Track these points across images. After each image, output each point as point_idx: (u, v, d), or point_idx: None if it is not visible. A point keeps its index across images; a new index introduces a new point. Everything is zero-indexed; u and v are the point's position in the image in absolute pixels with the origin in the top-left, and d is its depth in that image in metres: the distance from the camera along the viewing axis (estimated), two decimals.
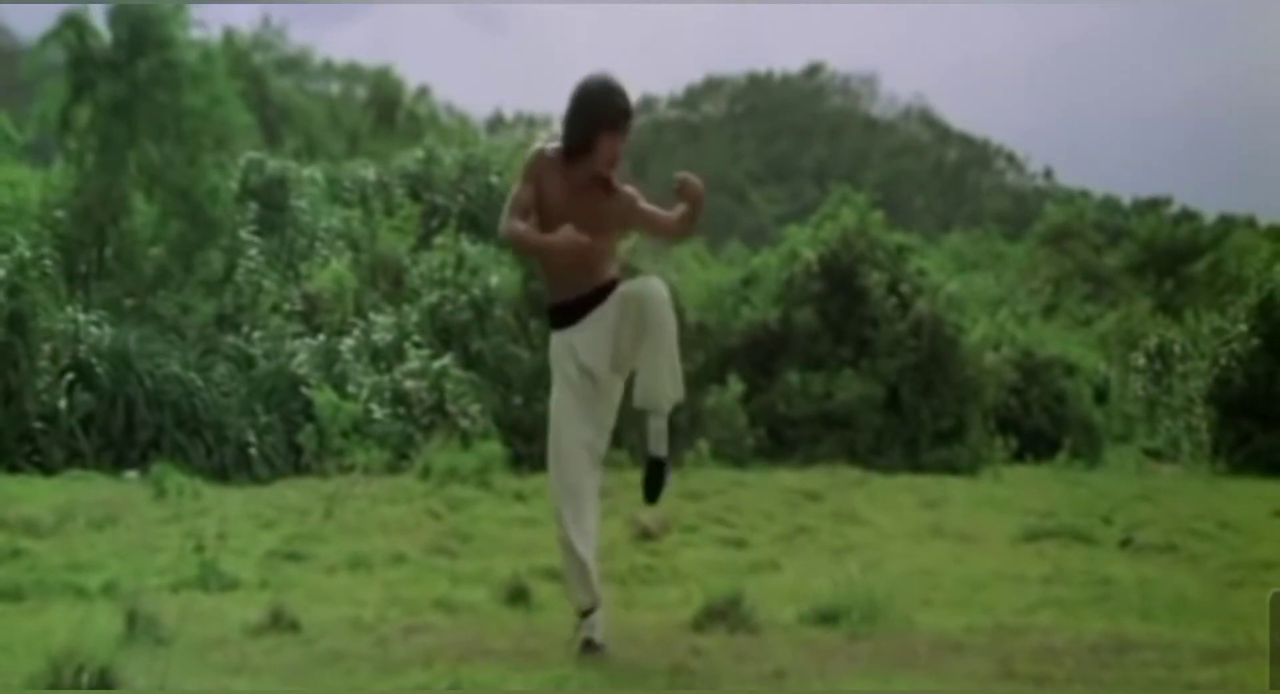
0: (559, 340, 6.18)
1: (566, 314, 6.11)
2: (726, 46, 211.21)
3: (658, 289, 6.04)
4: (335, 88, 55.72)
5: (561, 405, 6.13)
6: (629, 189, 6.10)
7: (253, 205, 26.55)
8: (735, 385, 26.99)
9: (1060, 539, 11.36)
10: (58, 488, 15.44)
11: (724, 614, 6.37)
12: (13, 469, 17.76)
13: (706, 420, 26.86)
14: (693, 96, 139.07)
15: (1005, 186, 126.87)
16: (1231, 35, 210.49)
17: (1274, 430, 28.70)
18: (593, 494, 6.17)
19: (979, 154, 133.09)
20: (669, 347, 6.01)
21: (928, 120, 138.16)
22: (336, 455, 18.51)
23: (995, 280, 49.45)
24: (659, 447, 6.18)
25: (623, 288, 6.11)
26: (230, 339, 22.56)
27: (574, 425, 6.10)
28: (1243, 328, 30.74)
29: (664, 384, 6.05)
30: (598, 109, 5.97)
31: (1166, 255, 62.79)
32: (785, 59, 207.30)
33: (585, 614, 5.98)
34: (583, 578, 5.98)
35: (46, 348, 19.77)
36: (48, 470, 17.95)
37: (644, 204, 6.11)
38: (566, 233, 5.84)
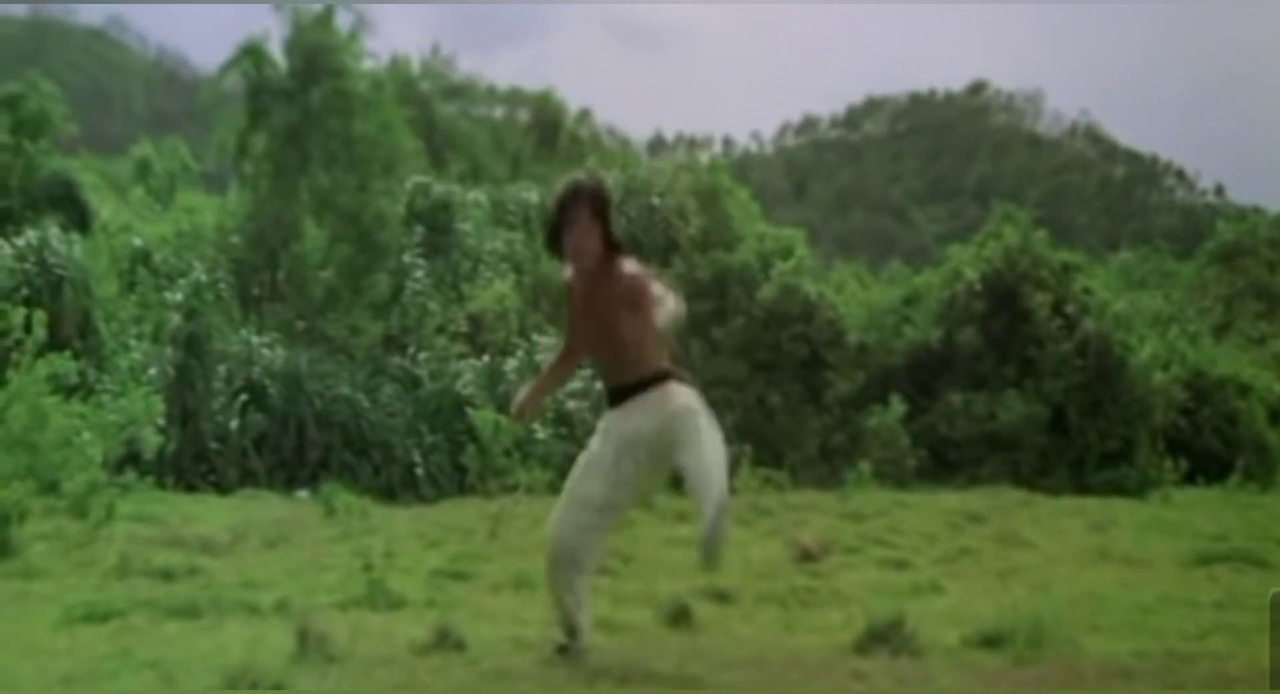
0: (607, 417, 6.25)
1: (613, 396, 6.19)
2: (888, 66, 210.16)
3: (683, 402, 6.00)
4: (499, 112, 56.28)
5: (579, 467, 6.21)
6: (631, 271, 6.00)
7: (419, 228, 26.97)
8: (897, 405, 26.80)
9: (1233, 563, 11.08)
10: (232, 507, 15.78)
11: (886, 637, 6.31)
12: (190, 488, 18.22)
13: (868, 441, 26.72)
14: (854, 116, 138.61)
15: (1174, 203, 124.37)
16: None
17: None
18: (592, 549, 6.23)
19: (1147, 170, 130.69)
20: (710, 447, 5.92)
21: (1094, 137, 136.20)
22: (500, 475, 18.59)
23: (1164, 299, 48.39)
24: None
25: (658, 405, 6.06)
26: (397, 360, 22.93)
27: (584, 485, 6.13)
28: None
29: (714, 491, 5.81)
30: (548, 216, 6.21)
31: None
32: (948, 78, 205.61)
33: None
34: (565, 617, 6.14)
35: (221, 370, 20.26)
36: (223, 489, 18.39)
37: (654, 290, 5.90)
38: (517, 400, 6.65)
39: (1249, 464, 30.30)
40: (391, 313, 24.74)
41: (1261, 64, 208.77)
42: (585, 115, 59.17)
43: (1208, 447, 32.51)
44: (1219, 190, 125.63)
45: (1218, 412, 33.85)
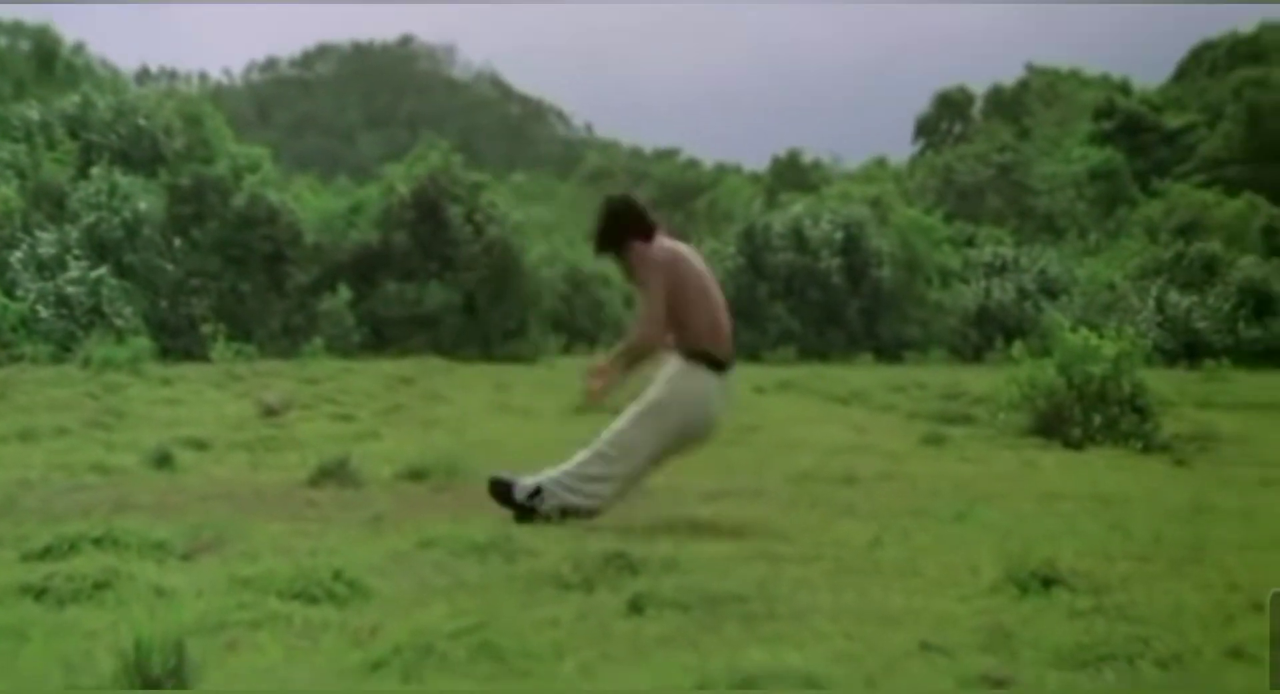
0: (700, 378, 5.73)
1: (719, 365, 5.74)
2: (335, 19, 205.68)
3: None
4: (3, 41, 51.47)
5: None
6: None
7: None
8: (344, 293, 27.19)
9: (602, 413, 11.69)
10: None
11: (334, 473, 6.34)
12: None
13: (321, 321, 26.79)
14: (308, 58, 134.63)
15: (556, 137, 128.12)
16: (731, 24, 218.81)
17: (753, 328, 30.55)
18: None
19: (535, 111, 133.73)
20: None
21: (496, 83, 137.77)
22: (7, 347, 18.06)
23: (550, 211, 50.16)
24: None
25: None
26: None
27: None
28: (732, 250, 33.29)
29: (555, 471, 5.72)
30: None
31: (678, 193, 65.47)
32: (384, 31, 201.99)
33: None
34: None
35: None
36: None
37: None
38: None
39: (610, 338, 32.29)
40: None
41: (624, 32, 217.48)
42: (80, 47, 54.78)
43: (581, 326, 34.61)
44: (589, 127, 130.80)
45: (588, 299, 36.00)
